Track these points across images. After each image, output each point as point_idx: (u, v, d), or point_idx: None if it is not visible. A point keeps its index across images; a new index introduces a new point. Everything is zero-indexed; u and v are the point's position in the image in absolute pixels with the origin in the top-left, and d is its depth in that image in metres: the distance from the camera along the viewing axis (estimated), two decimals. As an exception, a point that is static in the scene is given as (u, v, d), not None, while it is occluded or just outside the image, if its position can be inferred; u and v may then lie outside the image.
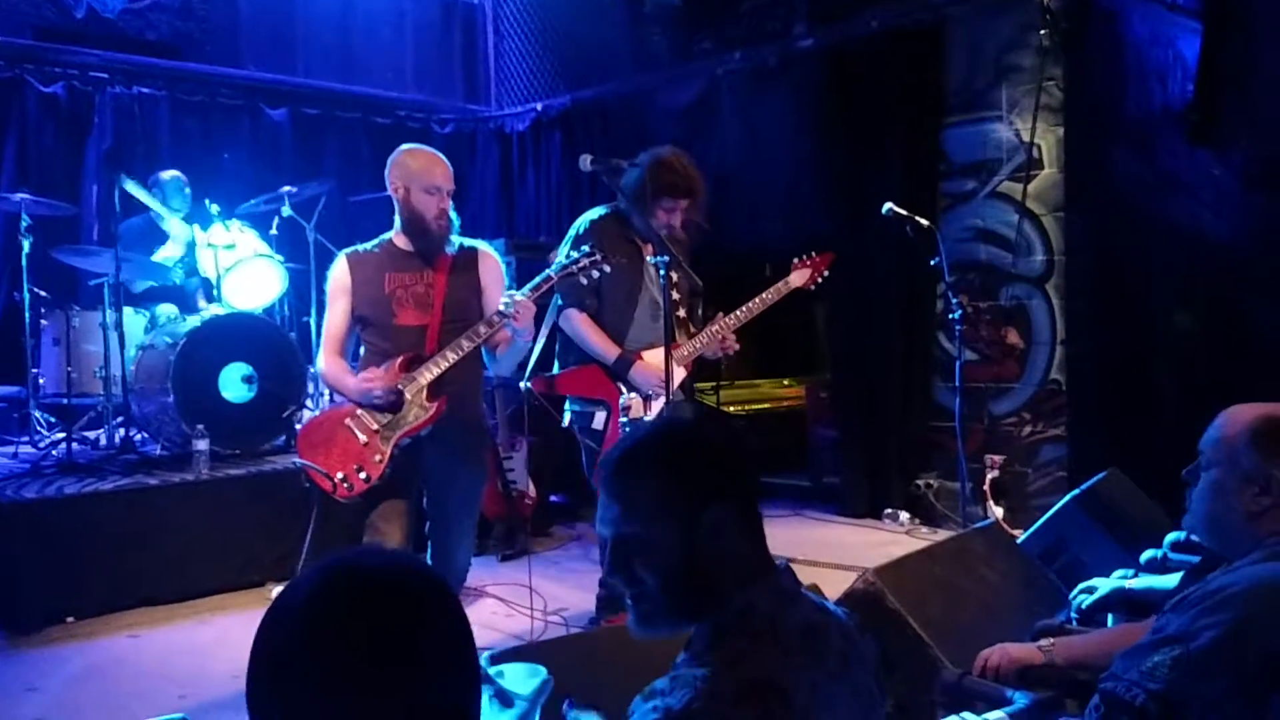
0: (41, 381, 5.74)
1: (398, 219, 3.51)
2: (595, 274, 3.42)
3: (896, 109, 6.02)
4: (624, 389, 3.84)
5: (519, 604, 4.51)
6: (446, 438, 3.37)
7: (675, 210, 3.85)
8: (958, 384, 4.98)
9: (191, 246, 5.96)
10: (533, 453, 5.62)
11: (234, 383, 5.36)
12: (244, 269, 5.77)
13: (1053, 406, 5.59)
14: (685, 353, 3.89)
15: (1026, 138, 5.59)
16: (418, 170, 3.51)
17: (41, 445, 5.56)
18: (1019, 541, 3.47)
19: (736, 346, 4.04)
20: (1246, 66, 5.60)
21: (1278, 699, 1.59)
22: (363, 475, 3.24)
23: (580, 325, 3.88)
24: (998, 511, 5.43)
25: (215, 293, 5.70)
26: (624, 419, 3.79)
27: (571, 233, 3.96)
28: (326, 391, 5.63)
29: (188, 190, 6.20)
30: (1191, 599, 1.75)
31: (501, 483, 5.36)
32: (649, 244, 3.94)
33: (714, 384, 8.00)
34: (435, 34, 8.68)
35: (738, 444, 1.60)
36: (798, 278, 4.17)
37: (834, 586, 3.00)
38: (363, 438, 3.28)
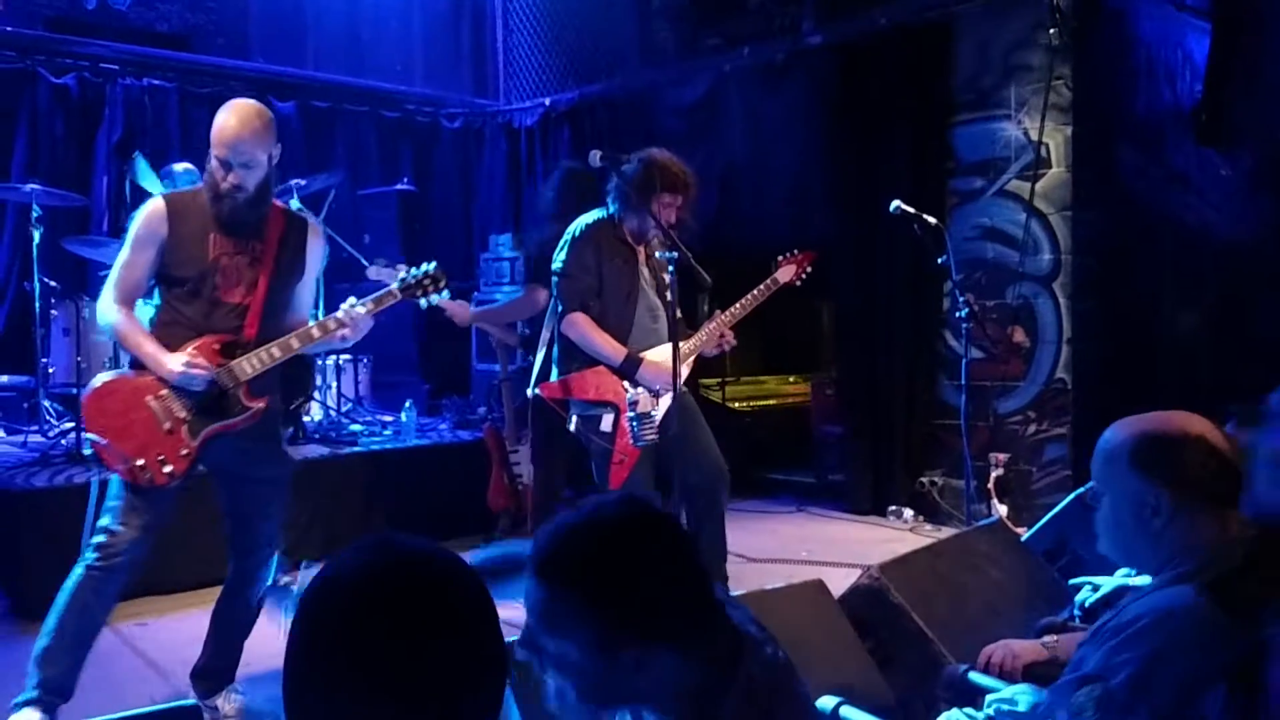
0: (51, 371, 5.76)
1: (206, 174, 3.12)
2: (434, 298, 3.26)
3: (904, 107, 6.02)
4: (630, 386, 3.86)
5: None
6: (253, 432, 3.12)
7: (673, 206, 3.88)
8: (963, 382, 4.99)
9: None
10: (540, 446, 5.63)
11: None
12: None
13: (1058, 405, 5.60)
14: (685, 351, 3.91)
15: (1035, 136, 5.59)
16: (215, 131, 3.03)
17: (51, 434, 5.58)
18: (1023, 539, 3.49)
19: (734, 342, 4.11)
20: (1255, 67, 5.60)
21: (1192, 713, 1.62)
22: (167, 469, 2.95)
23: (585, 328, 3.88)
24: (1002, 509, 5.43)
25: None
26: (631, 414, 3.81)
27: (567, 237, 3.98)
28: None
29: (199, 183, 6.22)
30: (1106, 631, 1.77)
31: (507, 475, 5.38)
32: (641, 246, 3.97)
33: (719, 380, 8.02)
34: (444, 28, 8.69)
35: (682, 570, 1.41)
36: (784, 274, 4.29)
37: (838, 583, 3.02)
38: (167, 424, 2.96)
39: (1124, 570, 2.78)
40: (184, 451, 2.96)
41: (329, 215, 6.05)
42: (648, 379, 3.85)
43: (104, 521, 3.02)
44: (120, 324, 3.04)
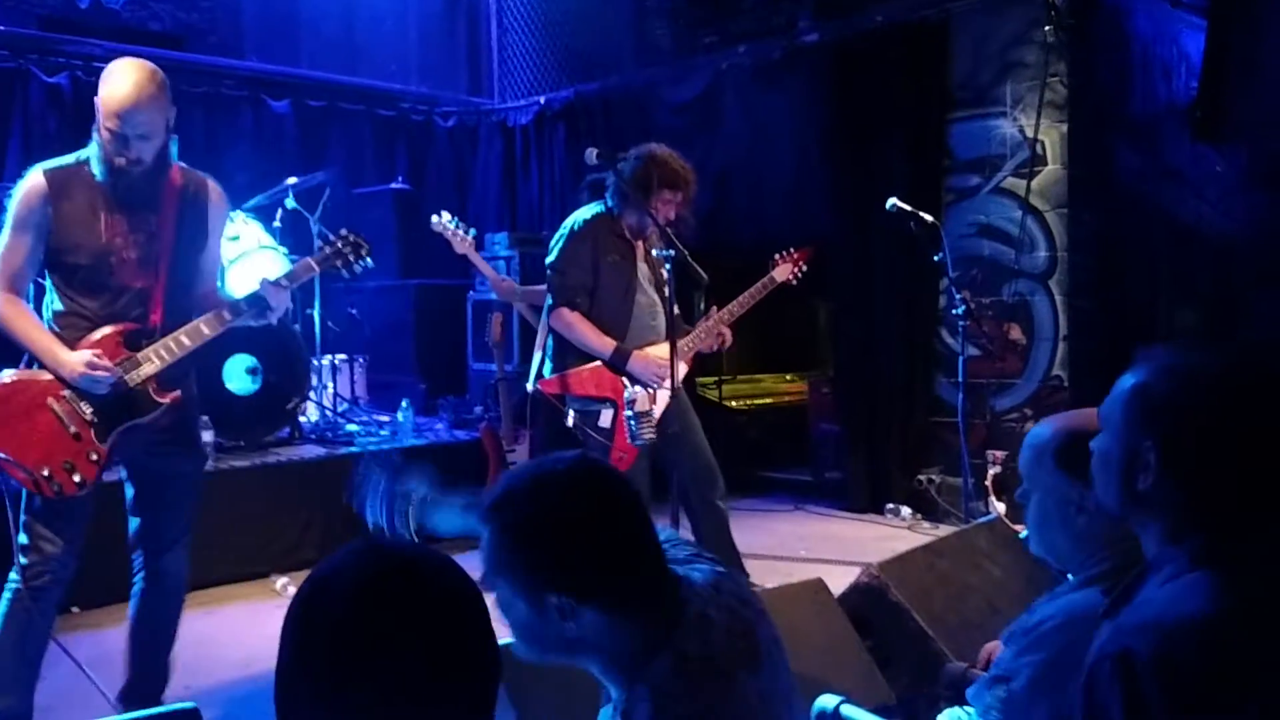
0: (45, 372, 5.74)
1: (93, 143, 2.81)
2: (358, 267, 3.07)
3: (901, 104, 6.02)
4: (628, 383, 3.85)
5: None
6: (166, 424, 2.88)
7: (673, 203, 3.88)
8: (960, 379, 4.99)
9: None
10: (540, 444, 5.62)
11: (238, 374, 5.37)
12: (248, 261, 5.77)
13: (1055, 402, 5.60)
14: (684, 349, 3.91)
15: (1030, 134, 5.59)
16: (104, 96, 2.71)
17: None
18: (1021, 536, 3.49)
19: (731, 341, 4.14)
20: (1251, 63, 5.60)
21: None
22: (76, 478, 2.69)
23: (574, 322, 3.87)
24: (1000, 507, 5.43)
25: (219, 285, 5.70)
26: (629, 412, 3.80)
27: (565, 230, 3.97)
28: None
29: None
30: (1017, 632, 1.77)
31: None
32: (640, 242, 3.96)
33: (716, 379, 8.01)
34: (439, 26, 8.68)
35: (620, 533, 1.44)
36: (780, 273, 4.33)
37: (837, 581, 3.02)
38: (73, 428, 2.69)
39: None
40: (93, 456, 2.70)
41: (324, 214, 6.02)
42: (639, 372, 3.84)
43: (22, 540, 2.79)
44: (9, 317, 2.72)
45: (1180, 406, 1.41)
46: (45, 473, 2.65)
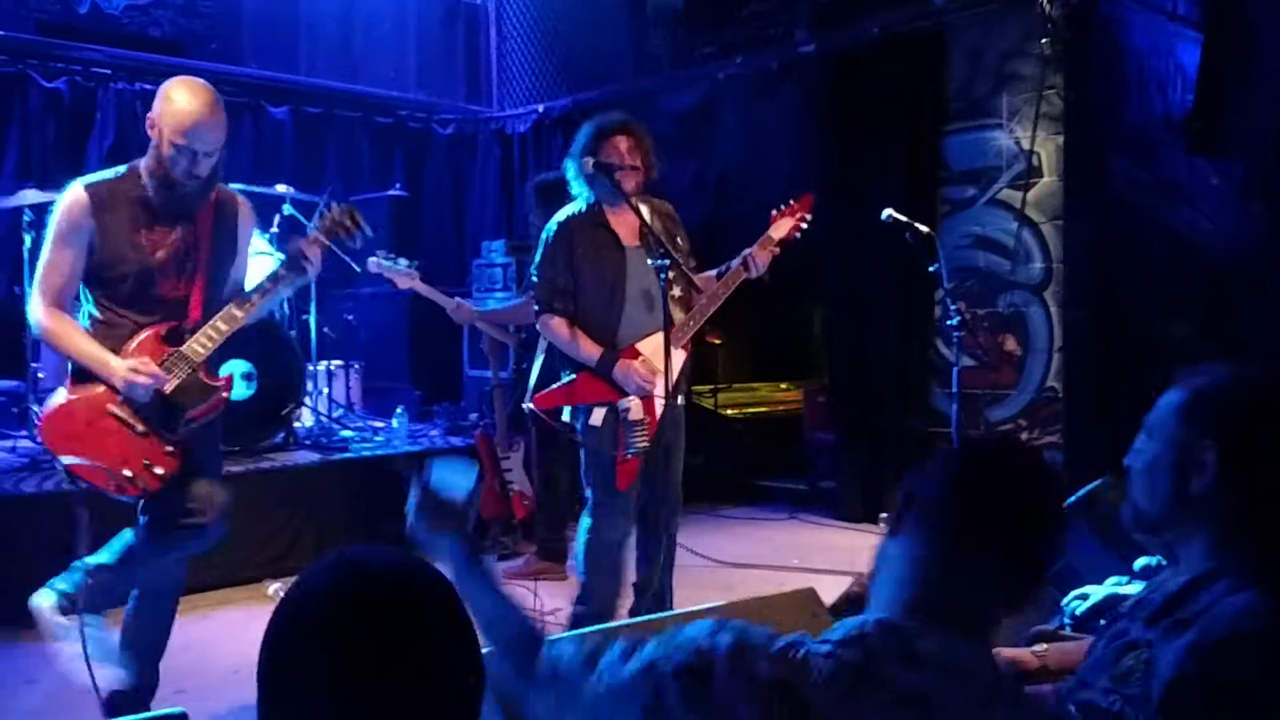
0: (41, 376, 5.73)
1: (146, 159, 2.87)
2: (358, 235, 3.08)
3: (897, 115, 6.04)
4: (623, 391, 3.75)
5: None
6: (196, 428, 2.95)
7: (619, 153, 3.60)
8: (954, 390, 4.99)
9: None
10: (538, 454, 5.62)
11: (233, 380, 5.36)
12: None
13: (1049, 414, 5.61)
14: (684, 331, 3.68)
15: (1026, 146, 5.61)
16: (175, 116, 2.79)
17: (41, 440, 5.56)
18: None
19: (764, 267, 3.76)
20: (1246, 76, 5.63)
21: None
22: (157, 470, 2.77)
23: (558, 330, 3.67)
24: (993, 517, 5.44)
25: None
26: (623, 419, 3.71)
27: (542, 238, 3.76)
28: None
29: None
30: (1145, 602, 1.74)
31: (499, 482, 5.37)
32: (627, 215, 3.68)
33: (712, 387, 8.01)
34: (438, 34, 8.70)
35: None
36: (778, 229, 3.89)
37: (830, 590, 3.01)
38: (139, 428, 2.77)
39: (1114, 580, 2.79)
40: (169, 449, 2.79)
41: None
42: (623, 381, 3.60)
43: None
44: (52, 327, 2.80)
45: (1244, 408, 1.46)
46: (128, 473, 2.74)
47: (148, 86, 6.97)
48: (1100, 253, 5.58)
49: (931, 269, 4.95)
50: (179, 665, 3.84)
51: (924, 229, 4.91)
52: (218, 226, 2.95)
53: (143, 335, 2.81)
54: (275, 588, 4.70)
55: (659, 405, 3.65)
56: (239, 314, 2.88)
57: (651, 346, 3.62)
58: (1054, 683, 2.21)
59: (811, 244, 5.58)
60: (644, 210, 3.63)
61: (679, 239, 3.77)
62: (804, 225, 3.97)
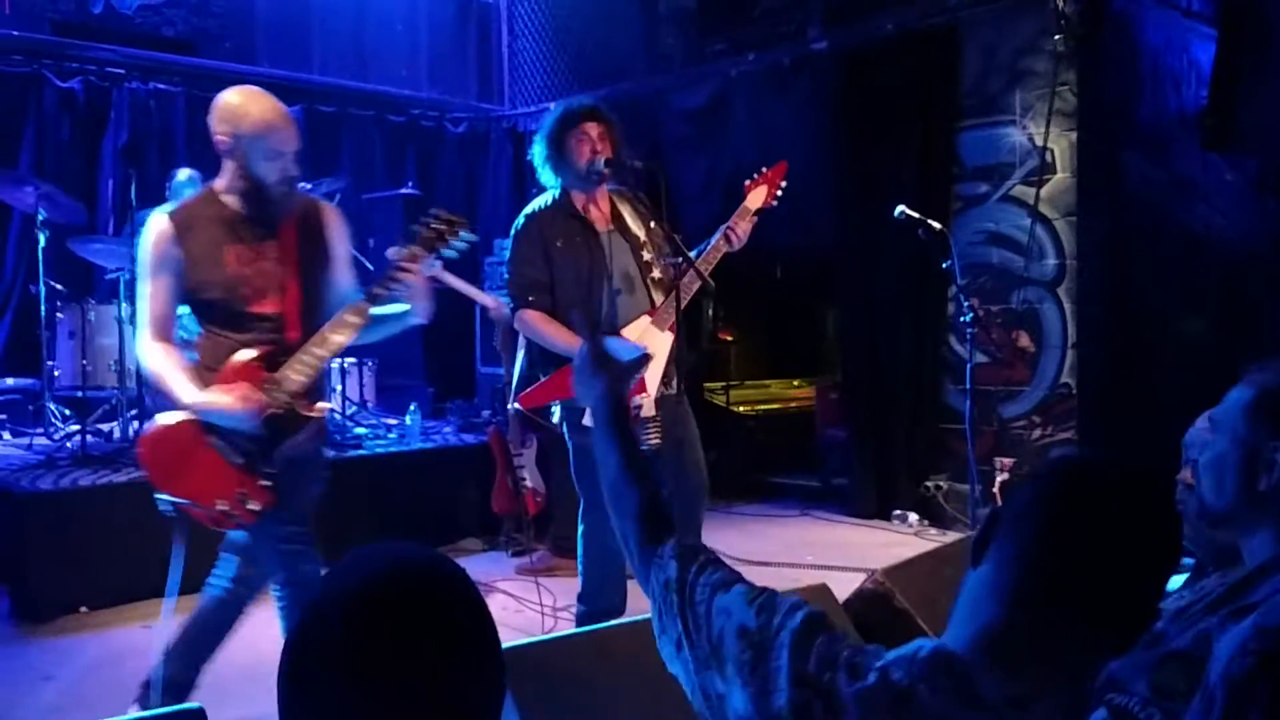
0: (57, 374, 5.78)
1: (226, 176, 2.85)
2: (459, 244, 2.96)
3: (910, 112, 6.03)
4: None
5: (528, 599, 4.53)
6: (304, 443, 2.90)
7: (588, 138, 3.55)
8: (968, 386, 4.99)
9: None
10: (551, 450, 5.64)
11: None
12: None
13: (1063, 410, 5.60)
14: (668, 316, 3.58)
15: (1040, 142, 5.60)
16: (258, 127, 2.79)
17: (56, 437, 5.60)
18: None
19: (745, 238, 3.66)
20: (1261, 72, 5.60)
21: None
22: (250, 506, 2.73)
23: (536, 324, 3.55)
24: (1007, 515, 5.43)
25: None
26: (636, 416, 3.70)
27: (512, 233, 3.69)
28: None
29: (192, 190, 6.18)
30: (1195, 612, 1.73)
31: (512, 479, 5.38)
32: (597, 203, 3.65)
33: (724, 384, 8.02)
34: (450, 32, 8.71)
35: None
36: (754, 199, 3.78)
37: (843, 587, 3.01)
38: (236, 459, 2.74)
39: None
40: (263, 482, 2.75)
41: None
42: None
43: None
44: (157, 367, 2.78)
45: None
46: (223, 508, 2.72)
47: (161, 86, 7.02)
48: (1114, 249, 5.56)
49: (945, 265, 4.95)
50: (194, 661, 3.86)
51: (937, 226, 4.90)
52: (303, 235, 2.89)
53: (243, 358, 2.76)
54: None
55: (651, 389, 3.61)
56: (336, 338, 2.79)
57: (637, 331, 3.56)
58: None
59: (824, 241, 5.61)
60: (619, 203, 3.63)
61: (652, 224, 3.69)
62: (779, 193, 3.84)
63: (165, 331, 2.81)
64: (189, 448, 2.72)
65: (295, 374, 2.76)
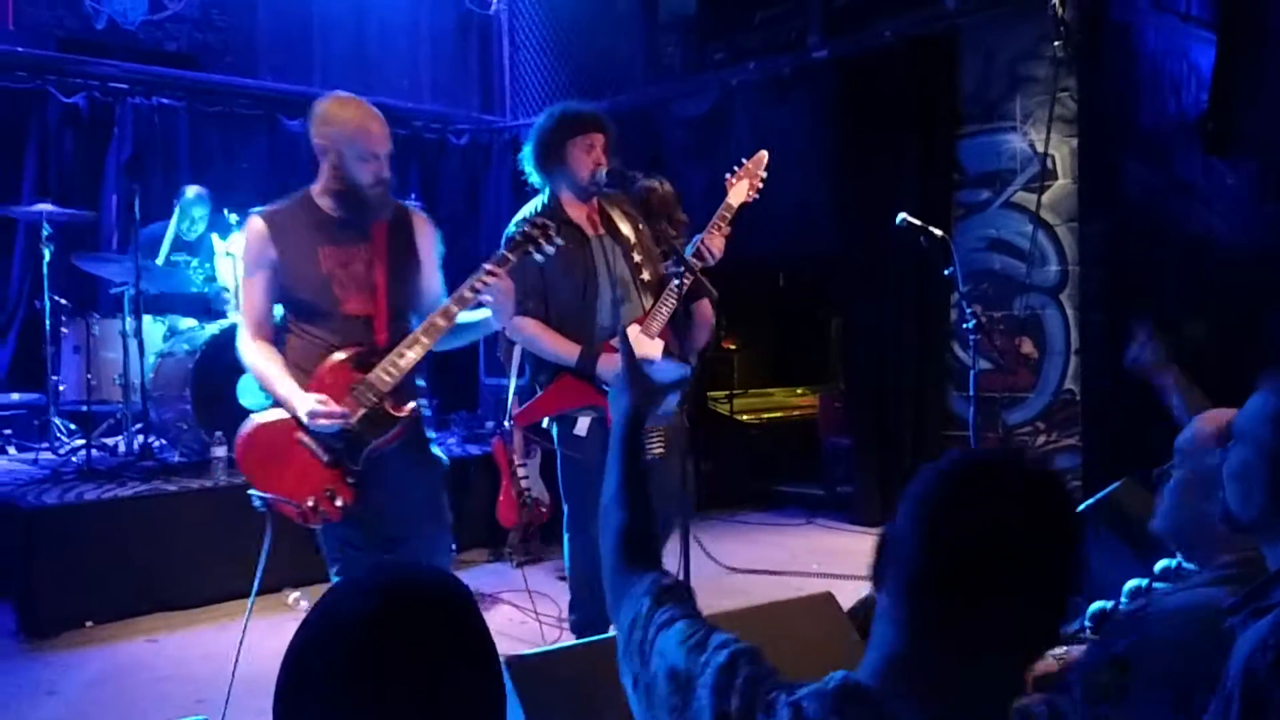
0: (62, 389, 5.79)
1: (322, 179, 2.96)
2: (549, 248, 3.00)
3: (910, 119, 6.04)
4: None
5: (533, 610, 4.52)
6: (405, 439, 2.97)
7: (594, 148, 3.51)
8: (971, 393, 4.98)
9: (210, 254, 6.01)
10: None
11: (252, 390, 5.36)
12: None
13: (1067, 416, 5.59)
14: (656, 323, 3.51)
15: (1041, 148, 5.60)
16: (351, 130, 2.89)
17: (61, 452, 5.61)
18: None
19: (719, 253, 3.62)
20: (1260, 76, 5.61)
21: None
22: (338, 503, 2.83)
23: (530, 331, 3.48)
24: (1011, 521, 5.42)
25: (234, 301, 5.75)
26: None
27: (503, 239, 3.46)
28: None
29: (202, 210, 6.19)
30: (1139, 617, 1.78)
31: (516, 490, 5.38)
32: (592, 210, 3.61)
33: (727, 393, 8.02)
34: (451, 45, 8.74)
35: None
36: (736, 195, 3.72)
37: (847, 596, 3.01)
38: (325, 457, 2.83)
39: (1133, 581, 2.78)
40: (350, 480, 2.84)
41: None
42: (609, 375, 3.35)
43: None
44: (255, 365, 2.90)
45: None
46: (311, 503, 2.81)
47: (164, 100, 7.04)
48: (1116, 254, 5.56)
49: (946, 273, 4.94)
50: (199, 674, 3.87)
51: (938, 233, 4.90)
52: (394, 240, 2.97)
53: (333, 360, 2.84)
54: (295, 596, 4.72)
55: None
56: (425, 340, 2.85)
57: (632, 335, 3.49)
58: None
59: (827, 249, 5.61)
60: (606, 206, 3.61)
61: (640, 225, 3.68)
62: (760, 185, 3.80)
63: (263, 330, 2.92)
64: (283, 445, 2.81)
65: (385, 375, 2.83)
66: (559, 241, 3.04)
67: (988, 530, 1.14)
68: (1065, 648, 2.34)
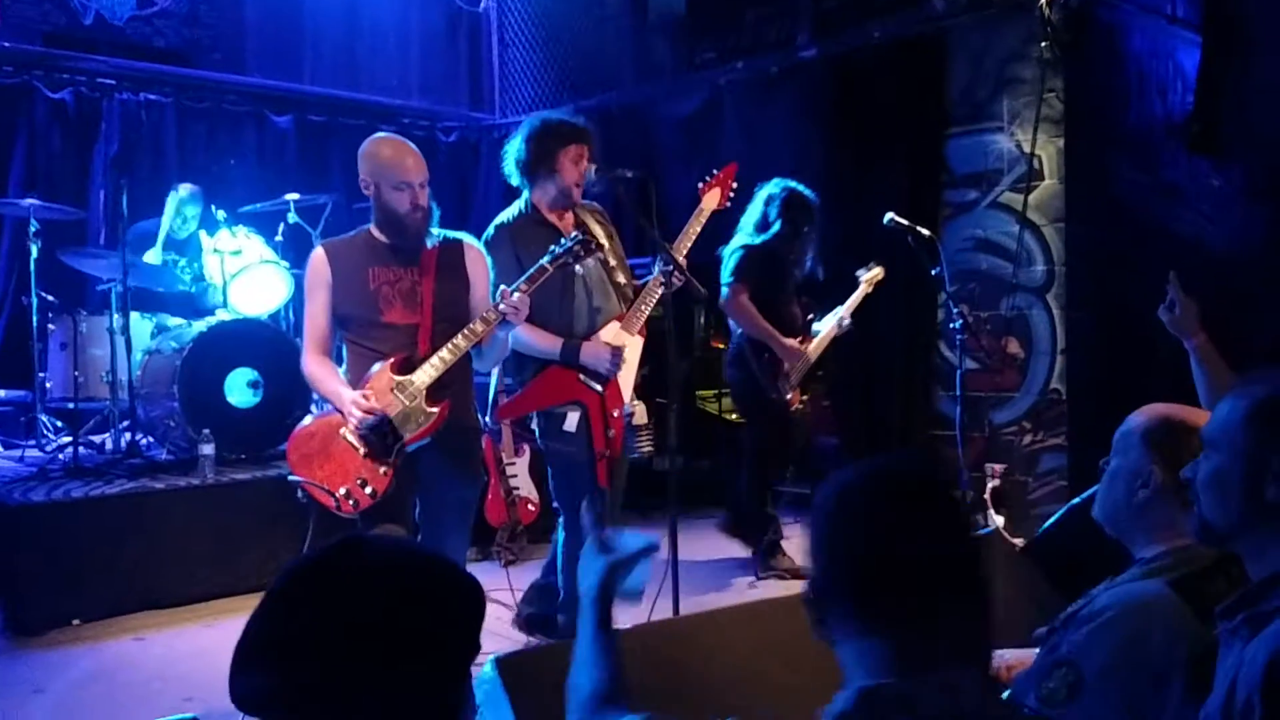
0: (48, 385, 5.77)
1: (373, 213, 3.31)
2: (591, 261, 3.33)
3: (898, 119, 6.06)
4: (617, 391, 3.69)
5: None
6: (443, 444, 3.22)
7: (582, 159, 3.61)
8: (958, 393, 5.01)
9: (198, 252, 6.00)
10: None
11: (240, 388, 5.39)
12: (250, 275, 5.80)
13: (1053, 416, 5.62)
14: (636, 320, 3.65)
15: (1027, 149, 5.63)
16: (385, 164, 3.26)
17: (48, 449, 5.59)
18: (1019, 549, 3.50)
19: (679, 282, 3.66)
20: (1246, 78, 5.64)
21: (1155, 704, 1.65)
22: (368, 490, 3.12)
23: (516, 329, 3.51)
24: (998, 520, 5.44)
25: (222, 298, 5.74)
26: (627, 423, 3.70)
27: (482, 242, 3.68)
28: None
29: (195, 208, 6.17)
30: (1080, 618, 1.79)
31: (504, 489, 5.38)
32: (567, 216, 3.70)
33: (716, 392, 8.02)
34: (440, 42, 8.73)
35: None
36: (709, 201, 3.95)
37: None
38: (363, 450, 3.13)
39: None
40: (383, 470, 3.12)
41: (325, 228, 6.06)
42: (593, 362, 3.53)
43: None
44: (313, 373, 3.24)
45: None
46: (343, 491, 3.10)
47: (152, 96, 7.02)
48: (1102, 254, 5.59)
49: (934, 272, 4.97)
50: (188, 672, 3.87)
51: (926, 232, 4.93)
52: (442, 264, 3.28)
53: (379, 366, 3.15)
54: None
55: (625, 394, 3.63)
56: (461, 343, 3.14)
57: (609, 335, 3.62)
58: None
59: (814, 248, 5.61)
60: (579, 212, 3.71)
61: (613, 234, 3.80)
62: (731, 194, 4.01)
63: (322, 346, 3.26)
64: (327, 439, 3.15)
65: (425, 374, 3.13)
66: (599, 255, 3.34)
67: (882, 539, 1.23)
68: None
